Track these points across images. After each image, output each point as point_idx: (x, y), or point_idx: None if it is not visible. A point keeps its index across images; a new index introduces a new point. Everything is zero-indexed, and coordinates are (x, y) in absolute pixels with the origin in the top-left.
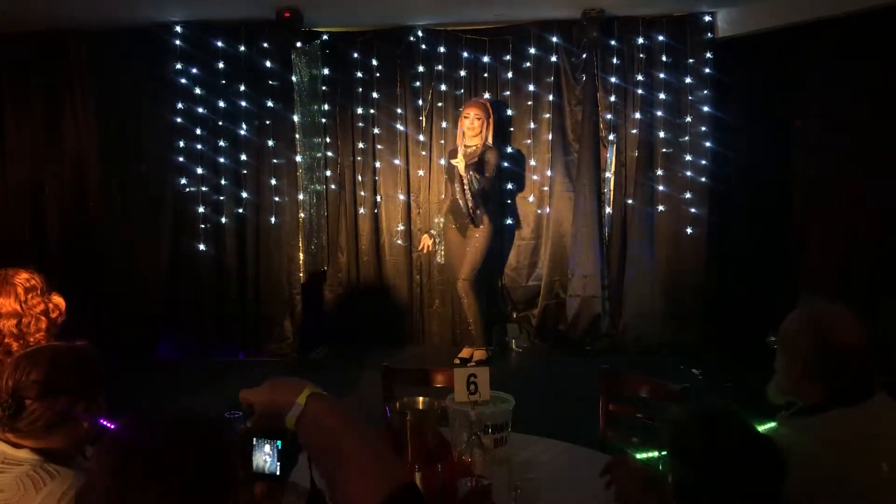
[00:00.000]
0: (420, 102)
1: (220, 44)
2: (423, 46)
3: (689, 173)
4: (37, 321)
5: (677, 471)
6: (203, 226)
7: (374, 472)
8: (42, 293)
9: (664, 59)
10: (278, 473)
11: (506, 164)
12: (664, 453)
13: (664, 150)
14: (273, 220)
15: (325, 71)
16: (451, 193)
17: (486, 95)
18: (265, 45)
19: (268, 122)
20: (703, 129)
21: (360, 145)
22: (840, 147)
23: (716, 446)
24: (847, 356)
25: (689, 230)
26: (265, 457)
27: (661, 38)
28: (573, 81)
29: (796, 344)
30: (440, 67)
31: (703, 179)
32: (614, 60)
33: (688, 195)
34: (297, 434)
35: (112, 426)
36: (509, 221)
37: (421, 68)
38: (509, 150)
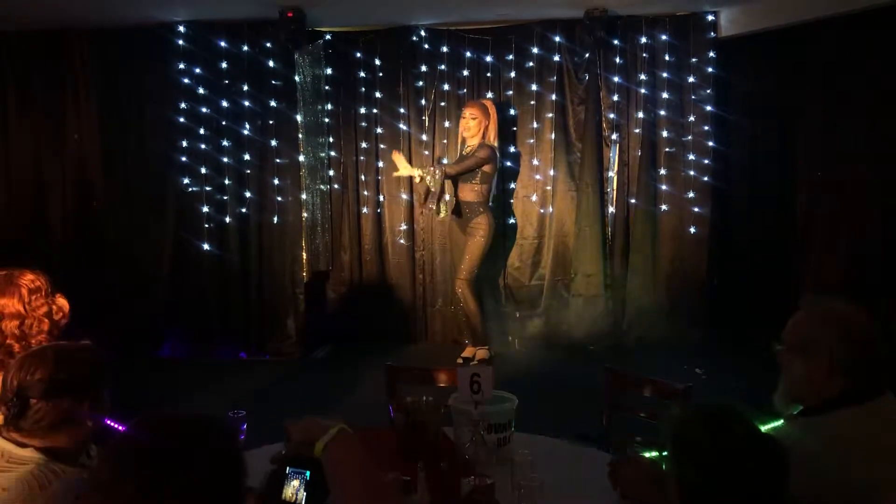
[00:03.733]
0: (423, 102)
1: (223, 43)
2: (426, 46)
3: (692, 172)
4: (39, 323)
5: (680, 470)
6: (206, 225)
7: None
8: (46, 295)
9: (667, 58)
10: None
11: (508, 164)
12: (667, 452)
13: (667, 149)
14: (276, 219)
15: (328, 70)
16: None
17: (489, 95)
18: (268, 44)
19: (271, 122)
20: (706, 128)
21: (363, 145)
22: (843, 146)
23: (718, 444)
24: (871, 342)
25: (692, 229)
26: (293, 487)
27: (664, 37)
28: (576, 81)
29: (818, 341)
30: (443, 67)
31: (706, 178)
32: (617, 60)
33: (691, 194)
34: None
35: (116, 426)
36: (512, 221)
37: (424, 68)
38: (512, 149)
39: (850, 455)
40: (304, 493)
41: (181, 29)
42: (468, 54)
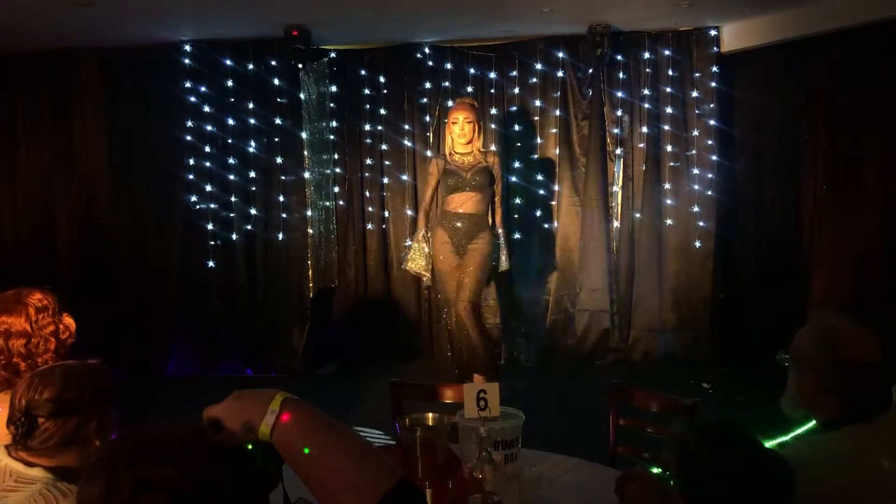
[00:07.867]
0: (427, 118)
1: (228, 62)
2: (430, 63)
3: (696, 187)
4: (46, 342)
5: (685, 488)
6: (212, 242)
7: (366, 474)
8: (53, 314)
9: (670, 73)
10: None
11: (513, 179)
12: (672, 470)
13: (671, 163)
14: (282, 236)
15: (333, 88)
16: (446, 206)
17: (493, 111)
18: (273, 62)
19: (276, 140)
20: (710, 142)
21: (368, 161)
22: (847, 159)
23: (722, 462)
24: (860, 370)
25: (697, 243)
26: None
27: (666, 52)
28: (580, 96)
29: (809, 358)
30: (447, 84)
31: (711, 193)
32: (620, 75)
33: (695, 208)
34: (272, 446)
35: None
36: (517, 236)
37: (428, 84)
38: (516, 164)
39: (853, 474)
40: None
41: (187, 48)
42: (472, 71)
